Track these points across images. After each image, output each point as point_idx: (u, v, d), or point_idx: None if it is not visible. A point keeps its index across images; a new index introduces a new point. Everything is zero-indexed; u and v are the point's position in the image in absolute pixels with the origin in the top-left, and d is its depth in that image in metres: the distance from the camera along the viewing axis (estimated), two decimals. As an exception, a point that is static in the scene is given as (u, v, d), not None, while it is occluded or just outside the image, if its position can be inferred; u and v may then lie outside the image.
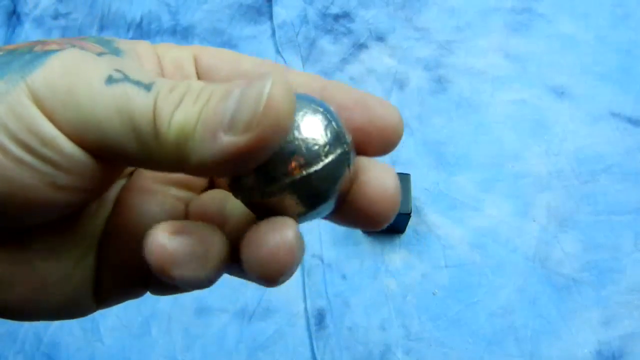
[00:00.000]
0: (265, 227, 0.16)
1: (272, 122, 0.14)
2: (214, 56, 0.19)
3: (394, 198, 0.17)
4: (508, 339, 0.44)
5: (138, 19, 0.60)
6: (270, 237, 0.15)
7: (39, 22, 0.58)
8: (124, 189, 0.19)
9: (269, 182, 0.15)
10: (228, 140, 0.14)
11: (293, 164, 0.15)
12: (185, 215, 0.19)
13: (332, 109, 0.16)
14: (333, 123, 0.16)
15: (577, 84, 0.53)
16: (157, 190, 0.19)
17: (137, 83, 0.15)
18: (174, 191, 0.19)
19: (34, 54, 0.15)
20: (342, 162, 0.16)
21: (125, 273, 0.19)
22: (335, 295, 0.46)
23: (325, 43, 0.57)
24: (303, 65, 0.56)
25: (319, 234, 0.48)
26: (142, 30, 0.59)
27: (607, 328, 0.44)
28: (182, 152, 0.14)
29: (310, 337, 0.44)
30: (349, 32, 0.57)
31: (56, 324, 0.46)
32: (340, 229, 0.48)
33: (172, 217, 0.19)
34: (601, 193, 0.48)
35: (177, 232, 0.16)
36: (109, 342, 0.45)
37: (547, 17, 0.57)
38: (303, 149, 0.15)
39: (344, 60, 0.56)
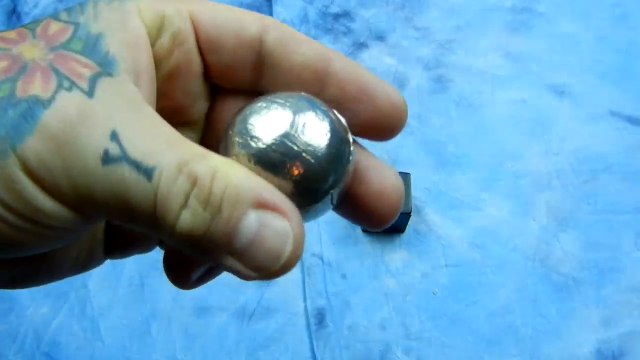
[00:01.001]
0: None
1: (282, 273, 0.15)
2: (216, 26, 0.18)
3: (399, 198, 0.17)
4: (508, 338, 0.44)
5: (138, 18, 0.60)
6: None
7: (38, 21, 0.58)
8: None
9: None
10: (237, 264, 0.14)
11: (294, 169, 0.15)
12: None
13: (329, 110, 0.16)
14: (332, 126, 0.16)
15: (577, 83, 0.53)
16: None
17: (137, 166, 0.14)
18: None
19: (18, 110, 0.14)
20: (341, 161, 0.16)
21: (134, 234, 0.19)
22: (335, 294, 0.46)
23: (325, 42, 0.57)
24: (303, 65, 0.56)
25: (319, 233, 0.48)
26: (142, 29, 0.59)
27: (607, 327, 0.44)
28: (187, 243, 0.14)
29: (310, 337, 0.45)
30: (349, 31, 0.57)
31: (56, 323, 0.46)
32: (340, 229, 0.48)
33: None
34: (601, 192, 0.48)
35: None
36: (109, 342, 0.45)
37: (547, 16, 0.57)
38: (303, 153, 0.15)
39: (344, 60, 0.56)
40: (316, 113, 0.16)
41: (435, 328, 0.44)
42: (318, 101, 0.17)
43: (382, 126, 0.17)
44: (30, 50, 0.15)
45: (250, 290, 0.46)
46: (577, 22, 0.56)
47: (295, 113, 0.16)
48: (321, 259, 0.47)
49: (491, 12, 0.57)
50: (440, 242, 0.47)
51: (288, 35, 0.18)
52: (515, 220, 0.48)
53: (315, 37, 0.57)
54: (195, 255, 0.15)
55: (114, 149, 0.14)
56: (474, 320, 0.44)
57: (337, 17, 0.58)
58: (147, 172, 0.14)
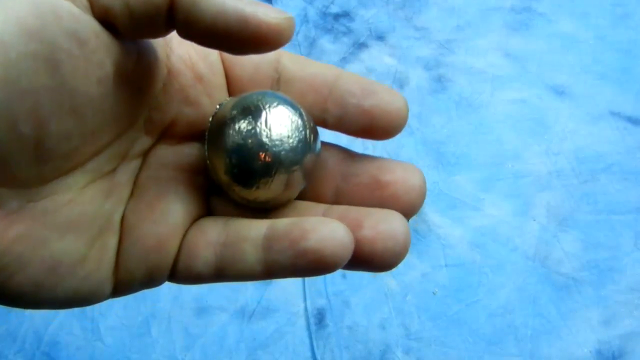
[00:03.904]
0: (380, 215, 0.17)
1: None
2: None
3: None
4: (508, 338, 0.44)
5: (138, 18, 0.60)
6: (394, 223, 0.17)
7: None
8: (140, 173, 0.19)
9: (250, 183, 0.18)
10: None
11: (267, 163, 0.17)
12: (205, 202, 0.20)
13: (300, 109, 0.18)
14: (298, 117, 0.18)
15: (577, 83, 0.53)
16: (173, 175, 0.19)
17: None
18: (191, 178, 0.19)
19: None
20: (304, 146, 0.18)
21: (147, 258, 0.18)
22: (335, 294, 0.46)
23: (325, 42, 0.57)
24: (303, 65, 0.56)
25: (319, 233, 0.48)
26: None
27: (607, 327, 0.44)
28: None
29: (310, 337, 0.45)
30: (349, 31, 0.57)
31: (56, 323, 0.46)
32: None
33: (195, 203, 0.19)
34: (601, 192, 0.48)
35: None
36: (109, 342, 0.45)
37: (547, 16, 0.57)
38: (273, 151, 0.17)
39: (344, 60, 0.56)
40: (284, 107, 0.18)
41: (435, 328, 0.44)
42: (288, 98, 0.18)
43: (383, 119, 0.18)
44: None
45: (250, 290, 0.46)
46: (577, 22, 0.56)
47: (266, 109, 0.18)
48: (321, 259, 0.47)
49: (491, 12, 0.57)
50: (440, 242, 0.47)
51: (299, 56, 0.20)
52: (515, 220, 0.48)
53: (315, 37, 0.57)
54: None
55: None
56: (474, 320, 0.44)
57: (337, 17, 0.58)
58: None
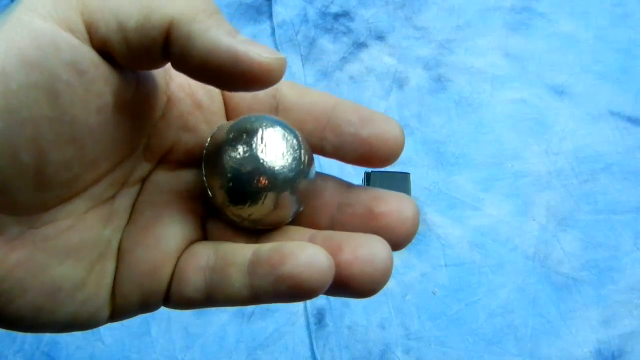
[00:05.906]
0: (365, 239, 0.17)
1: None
2: None
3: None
4: (508, 338, 0.44)
5: (138, 18, 0.60)
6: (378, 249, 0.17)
7: (38, 21, 0.58)
8: (138, 198, 0.19)
9: (244, 199, 0.18)
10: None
11: (261, 180, 0.18)
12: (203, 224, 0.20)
13: (296, 132, 0.19)
14: (293, 137, 0.18)
15: (577, 83, 0.53)
16: (169, 200, 0.19)
17: None
18: (188, 203, 0.19)
19: None
20: (298, 164, 0.18)
21: (144, 284, 0.18)
22: (335, 294, 0.46)
23: (325, 42, 0.57)
24: (303, 65, 0.56)
25: (319, 233, 0.48)
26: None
27: (607, 327, 0.44)
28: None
29: (310, 337, 0.45)
30: (349, 31, 0.57)
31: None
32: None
33: (190, 228, 0.19)
34: (601, 192, 0.48)
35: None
36: (109, 342, 0.45)
37: (547, 16, 0.57)
38: (267, 167, 0.18)
39: (344, 60, 0.56)
40: (281, 134, 0.18)
41: (435, 328, 0.44)
42: (286, 123, 0.19)
43: (381, 148, 0.18)
44: None
45: (250, 290, 0.46)
46: (577, 22, 0.56)
47: (262, 133, 0.18)
48: (321, 259, 0.47)
49: (491, 12, 0.57)
50: (440, 242, 0.47)
51: (298, 85, 0.20)
52: (515, 220, 0.48)
53: (315, 37, 0.57)
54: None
55: None
56: (474, 320, 0.44)
57: (337, 17, 0.58)
58: None
